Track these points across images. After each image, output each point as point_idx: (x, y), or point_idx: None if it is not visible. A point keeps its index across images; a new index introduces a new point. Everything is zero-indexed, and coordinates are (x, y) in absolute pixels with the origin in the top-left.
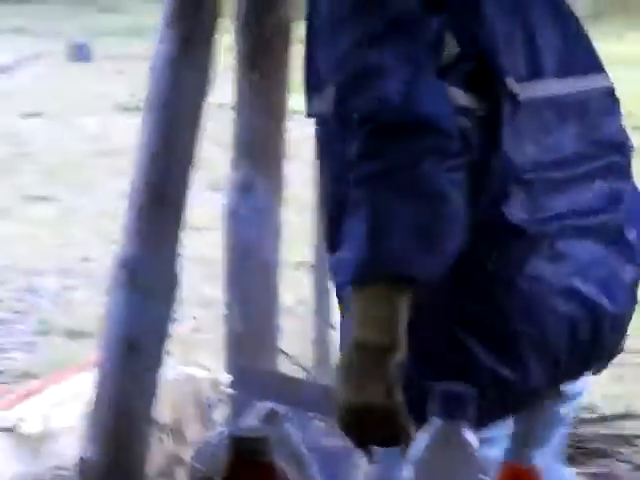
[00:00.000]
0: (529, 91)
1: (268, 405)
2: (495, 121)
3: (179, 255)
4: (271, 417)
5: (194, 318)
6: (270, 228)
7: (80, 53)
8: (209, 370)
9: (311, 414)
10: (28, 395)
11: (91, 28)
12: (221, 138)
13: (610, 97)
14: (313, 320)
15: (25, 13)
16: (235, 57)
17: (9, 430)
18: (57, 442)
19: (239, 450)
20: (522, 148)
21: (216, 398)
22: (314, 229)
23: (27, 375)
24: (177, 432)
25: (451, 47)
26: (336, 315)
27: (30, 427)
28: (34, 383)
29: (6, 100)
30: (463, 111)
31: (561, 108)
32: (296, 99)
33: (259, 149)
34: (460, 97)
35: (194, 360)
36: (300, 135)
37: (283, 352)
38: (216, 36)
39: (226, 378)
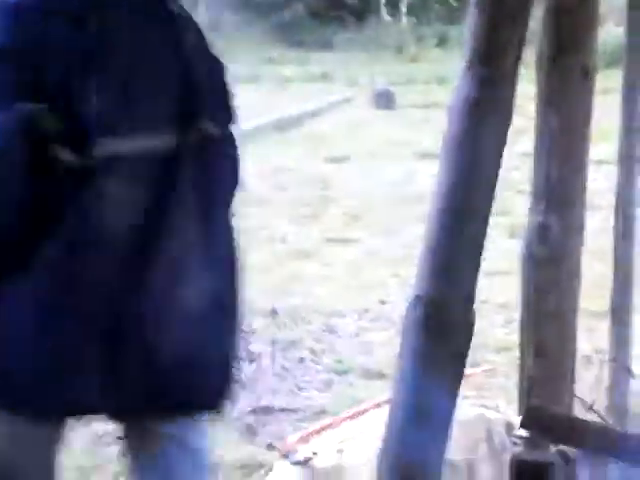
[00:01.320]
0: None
1: (560, 447)
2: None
3: (474, 297)
4: (562, 458)
5: (488, 363)
6: (567, 274)
7: (384, 100)
8: (502, 412)
9: (604, 459)
10: (323, 430)
11: (394, 76)
12: (524, 186)
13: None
14: (610, 368)
15: (330, 60)
16: (536, 101)
17: (303, 464)
18: (349, 477)
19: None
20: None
21: (509, 439)
22: (612, 278)
23: (323, 413)
24: (470, 472)
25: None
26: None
27: (323, 461)
28: (329, 419)
29: (315, 144)
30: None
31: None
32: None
33: (557, 196)
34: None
35: (487, 403)
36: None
37: (578, 398)
38: (517, 79)
39: (518, 420)
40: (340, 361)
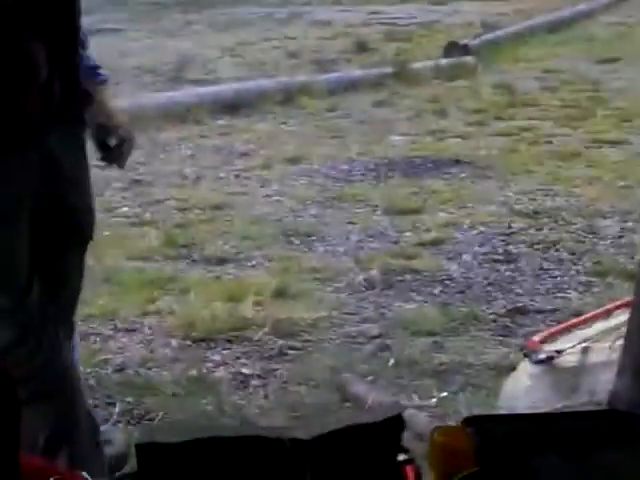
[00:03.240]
0: None
1: None
2: None
3: None
4: None
5: None
6: None
7: None
8: None
9: None
10: (570, 328)
11: None
12: None
13: None
14: None
15: None
16: None
17: (545, 363)
18: (593, 377)
19: None
20: None
21: None
22: None
23: (580, 315)
24: None
25: None
26: None
27: (566, 360)
28: (579, 318)
29: (585, 46)
30: None
31: None
32: None
33: None
34: None
35: None
36: None
37: None
38: None
39: None
40: (600, 262)
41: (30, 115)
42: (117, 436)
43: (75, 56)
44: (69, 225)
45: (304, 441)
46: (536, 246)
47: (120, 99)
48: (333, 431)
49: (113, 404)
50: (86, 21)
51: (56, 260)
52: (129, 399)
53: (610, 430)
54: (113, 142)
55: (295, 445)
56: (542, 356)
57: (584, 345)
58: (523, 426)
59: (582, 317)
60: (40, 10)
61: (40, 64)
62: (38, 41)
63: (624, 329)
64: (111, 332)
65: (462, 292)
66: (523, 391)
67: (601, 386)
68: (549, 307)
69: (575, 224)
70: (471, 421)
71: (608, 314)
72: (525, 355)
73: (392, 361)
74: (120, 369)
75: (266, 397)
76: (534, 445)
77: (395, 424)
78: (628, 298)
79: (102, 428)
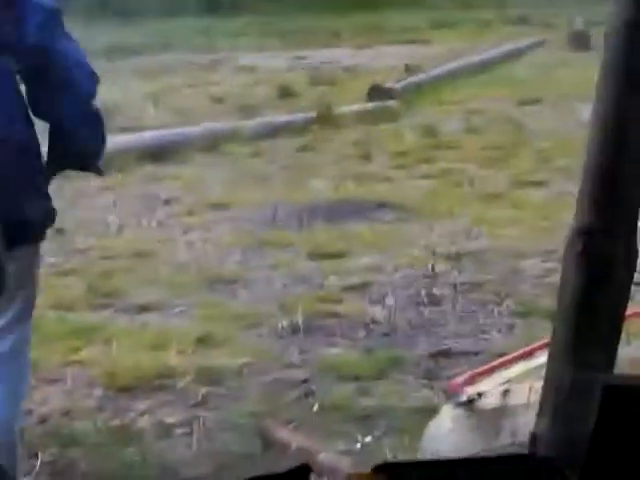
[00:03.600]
0: None
1: None
2: None
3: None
4: None
5: None
6: None
7: (579, 42)
8: None
9: None
10: (492, 370)
11: (591, 16)
12: None
13: None
14: None
15: (527, 3)
16: None
17: (467, 405)
18: (515, 418)
19: None
20: None
21: None
22: None
23: (503, 356)
24: None
25: None
26: None
27: (489, 402)
28: (501, 359)
29: (508, 87)
30: None
31: None
32: None
33: None
34: None
35: None
36: None
37: None
38: None
39: None
40: (522, 303)
41: None
42: None
43: None
44: None
45: None
46: (459, 288)
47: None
48: None
49: (36, 456)
50: None
51: None
52: (53, 450)
53: (527, 476)
54: None
55: None
56: (464, 398)
57: (505, 387)
58: (437, 473)
59: (504, 358)
60: None
61: None
62: None
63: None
64: (34, 382)
65: (386, 335)
66: (445, 434)
67: (523, 428)
68: (473, 349)
69: (498, 265)
70: (382, 468)
71: (530, 355)
72: (447, 398)
73: (316, 406)
74: (43, 420)
75: (189, 446)
76: None
77: (301, 474)
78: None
79: None
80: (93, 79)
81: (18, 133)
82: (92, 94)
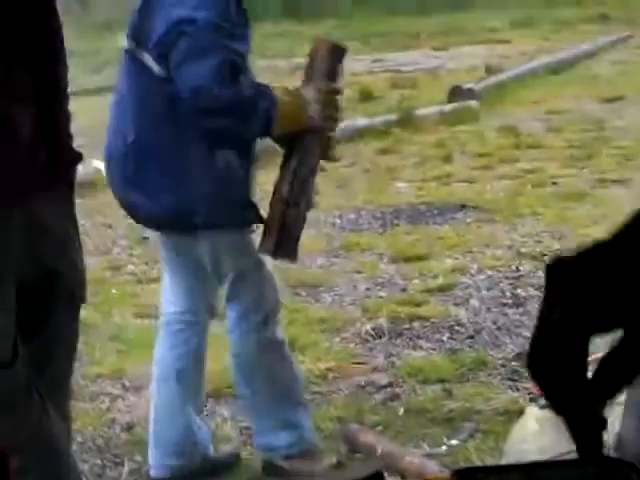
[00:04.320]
0: None
1: None
2: None
3: None
4: None
5: None
6: None
7: None
8: None
9: None
10: None
11: None
12: None
13: None
14: None
15: (608, 1)
16: None
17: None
18: None
19: None
20: None
21: None
22: None
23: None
24: None
25: None
26: None
27: None
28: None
29: (590, 85)
30: None
31: None
32: None
33: None
34: None
35: None
36: None
37: None
38: None
39: None
40: None
41: (14, 179)
42: None
43: (61, 117)
44: (55, 288)
45: None
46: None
47: None
48: None
49: (122, 464)
50: None
51: (43, 324)
52: (138, 458)
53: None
54: None
55: None
56: None
57: None
58: (516, 477)
59: (590, 357)
60: (24, 72)
61: (22, 128)
62: (20, 103)
63: None
64: (119, 391)
65: (471, 337)
66: (531, 435)
67: (609, 428)
68: None
69: None
70: (462, 473)
71: None
72: (532, 399)
73: (402, 410)
74: (129, 427)
75: None
76: None
77: None
78: None
79: None
80: None
81: None
82: None
